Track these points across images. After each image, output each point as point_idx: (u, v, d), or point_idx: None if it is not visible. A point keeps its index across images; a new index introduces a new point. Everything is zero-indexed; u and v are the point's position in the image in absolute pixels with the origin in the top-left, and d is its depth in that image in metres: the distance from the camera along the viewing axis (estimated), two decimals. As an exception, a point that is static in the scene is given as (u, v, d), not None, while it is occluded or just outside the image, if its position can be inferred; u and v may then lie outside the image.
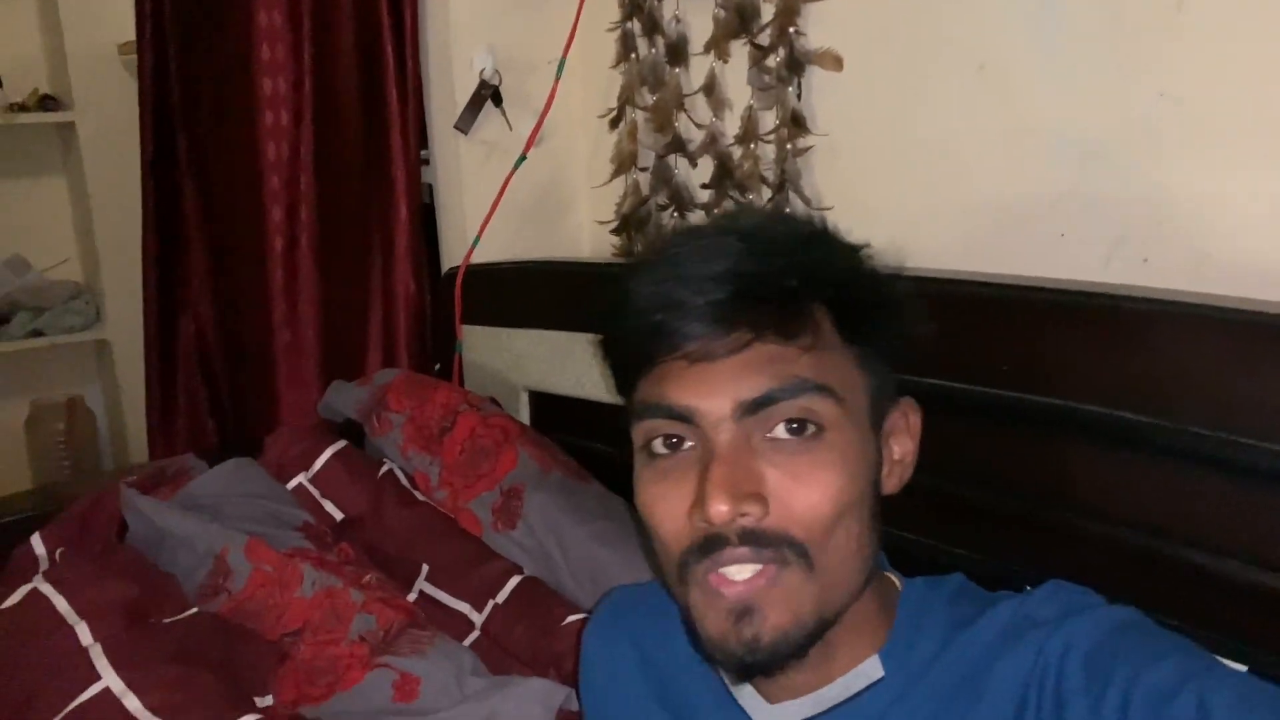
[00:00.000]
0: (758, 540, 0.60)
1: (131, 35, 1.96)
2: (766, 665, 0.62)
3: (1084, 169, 1.09)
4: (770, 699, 0.68)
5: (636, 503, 0.66)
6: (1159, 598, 0.86)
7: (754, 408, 0.61)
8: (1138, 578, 0.89)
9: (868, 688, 0.66)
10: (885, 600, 0.69)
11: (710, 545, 0.61)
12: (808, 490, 0.60)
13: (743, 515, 0.60)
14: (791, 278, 0.62)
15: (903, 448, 0.69)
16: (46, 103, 2.54)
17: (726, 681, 0.71)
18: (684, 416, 0.62)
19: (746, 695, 0.70)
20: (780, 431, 0.61)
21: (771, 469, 0.61)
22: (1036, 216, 1.14)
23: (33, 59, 2.61)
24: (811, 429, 0.61)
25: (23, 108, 2.50)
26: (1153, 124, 1.03)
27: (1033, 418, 0.96)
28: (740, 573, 0.61)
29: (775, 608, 0.61)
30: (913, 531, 1.01)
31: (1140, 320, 0.90)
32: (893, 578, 0.72)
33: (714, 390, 0.61)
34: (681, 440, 0.63)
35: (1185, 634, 0.62)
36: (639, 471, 0.66)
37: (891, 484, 0.69)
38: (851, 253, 0.68)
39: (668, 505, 0.63)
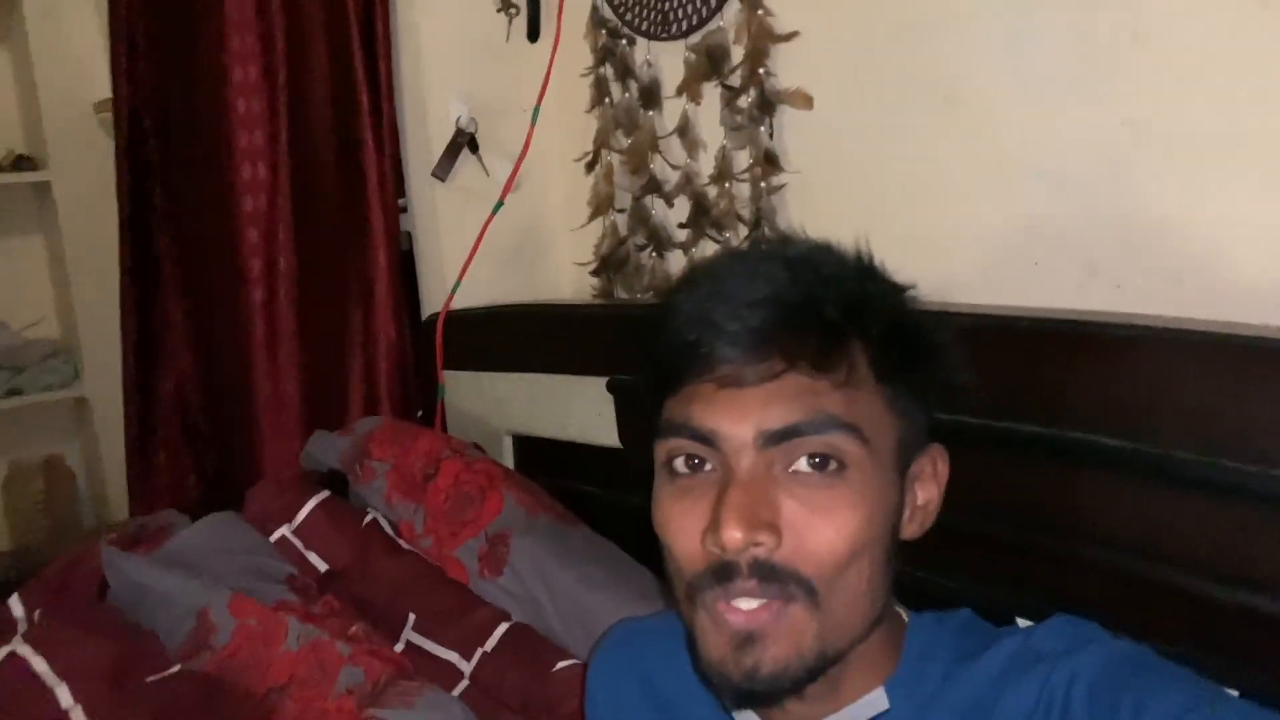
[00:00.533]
0: (767, 574, 0.60)
1: (107, 93, 1.96)
2: (763, 696, 0.62)
3: (1055, 197, 1.11)
4: None
5: (654, 518, 0.66)
6: (1145, 619, 0.86)
7: (777, 438, 0.60)
8: (1123, 599, 0.90)
9: (873, 719, 0.66)
10: (892, 633, 0.68)
11: (722, 574, 0.60)
12: (824, 526, 0.60)
13: (756, 545, 0.59)
14: (833, 310, 0.61)
15: (927, 494, 0.68)
16: (21, 163, 2.53)
17: (726, 706, 0.71)
18: (707, 439, 0.61)
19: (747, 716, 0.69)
20: (802, 464, 0.60)
21: (789, 500, 0.60)
22: (1010, 246, 1.16)
23: (6, 119, 2.61)
24: (834, 465, 0.60)
25: (-2, 168, 2.50)
26: (1118, 151, 1.05)
27: (1012, 444, 0.97)
28: (747, 603, 0.60)
29: (778, 641, 0.60)
30: (910, 564, 1.01)
31: (1118, 345, 0.91)
32: (900, 611, 0.71)
33: (740, 416, 0.60)
34: (703, 462, 0.63)
35: (1170, 655, 0.62)
36: (659, 487, 0.66)
37: (911, 530, 0.67)
38: (896, 292, 0.67)
39: (683, 525, 0.62)
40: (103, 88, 2.04)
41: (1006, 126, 1.14)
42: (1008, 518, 0.98)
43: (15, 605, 1.21)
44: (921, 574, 1.00)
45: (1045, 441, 0.94)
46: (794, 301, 0.61)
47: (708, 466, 0.62)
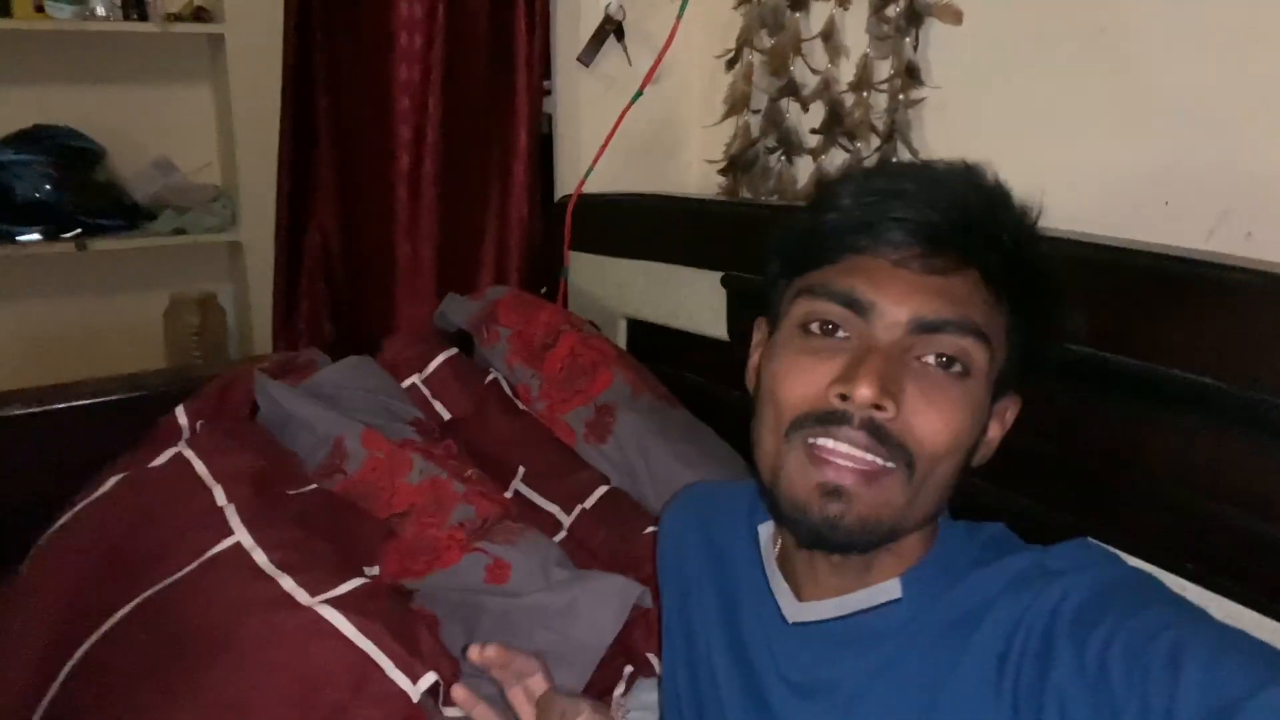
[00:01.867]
0: (878, 434, 0.64)
1: (281, -48, 2.05)
2: (834, 544, 0.67)
3: (1195, 139, 1.10)
4: (800, 596, 0.74)
5: (766, 369, 0.70)
6: (1221, 562, 0.89)
7: (928, 328, 0.65)
8: (1201, 542, 0.92)
9: (884, 604, 0.71)
10: (925, 534, 0.72)
11: (831, 418, 0.64)
12: (936, 417, 0.64)
13: (879, 408, 0.63)
14: (1009, 236, 0.66)
15: (994, 432, 0.72)
16: (200, 14, 2.68)
17: (764, 554, 0.78)
18: (863, 308, 0.65)
19: (782, 591, 0.76)
20: (931, 359, 0.65)
21: (913, 385, 0.64)
22: (1143, 184, 1.15)
23: (188, -29, 2.76)
24: (958, 368, 0.65)
25: (178, 17, 2.65)
26: (1274, 99, 1.03)
27: (1116, 378, 0.98)
28: (849, 457, 0.64)
29: (865, 502, 0.64)
30: (981, 476, 1.05)
31: (1237, 290, 0.91)
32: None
33: (901, 297, 0.65)
34: (837, 329, 0.67)
35: (1253, 603, 0.63)
36: (783, 341, 0.69)
37: (975, 457, 0.71)
38: (1045, 247, 0.71)
39: (807, 375, 0.66)
40: (277, -54, 2.13)
41: (1158, 62, 1.12)
42: (1099, 451, 1.01)
43: (180, 415, 1.37)
44: (999, 490, 1.06)
45: (1146, 377, 0.95)
46: (978, 216, 0.66)
47: (841, 334, 0.67)
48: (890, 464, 0.64)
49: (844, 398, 0.64)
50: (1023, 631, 0.63)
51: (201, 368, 2.45)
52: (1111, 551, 0.68)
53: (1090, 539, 0.69)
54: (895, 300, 0.65)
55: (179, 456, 1.24)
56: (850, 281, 0.66)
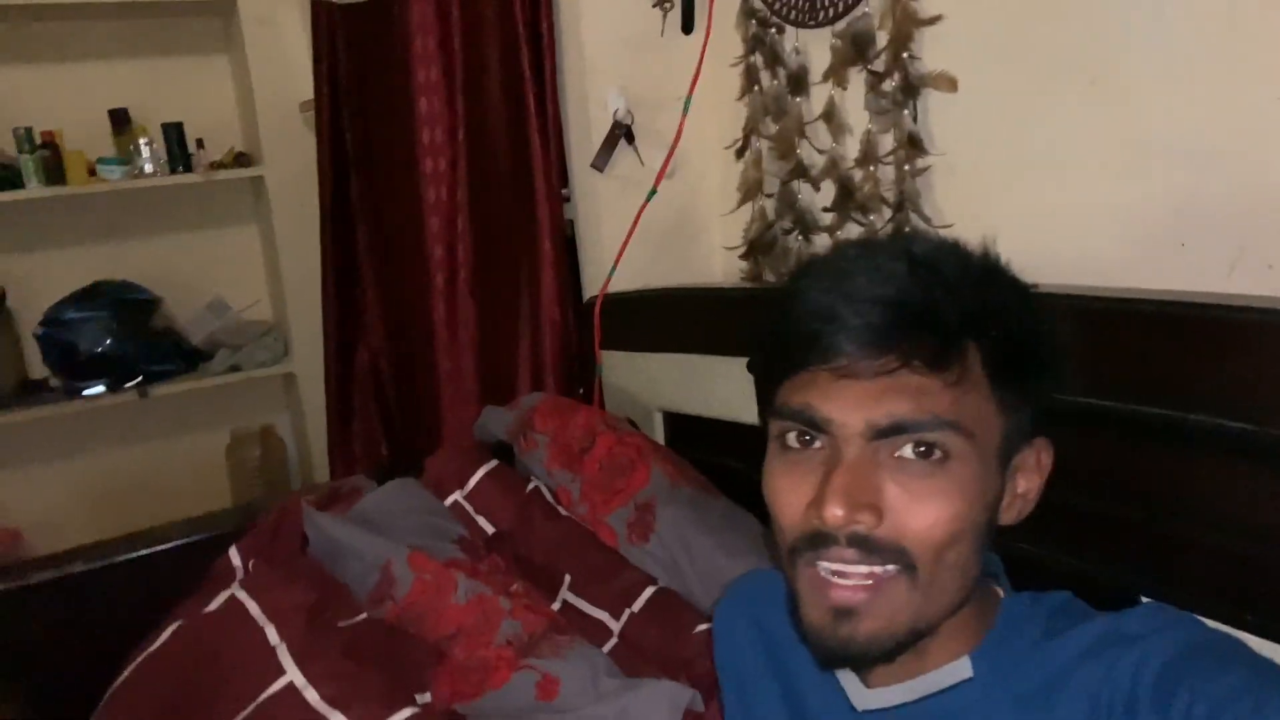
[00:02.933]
0: (865, 546, 0.64)
1: (310, 95, 2.17)
2: (853, 661, 0.67)
3: (1203, 177, 1.08)
4: (867, 684, 0.73)
5: (763, 486, 0.70)
6: (1271, 605, 0.85)
7: (884, 433, 0.64)
8: (1260, 589, 0.89)
9: (956, 685, 0.70)
10: (986, 609, 0.72)
11: (819, 540, 0.65)
12: (925, 512, 0.63)
13: (855, 523, 0.63)
14: (951, 315, 0.64)
15: (1028, 484, 0.71)
16: (240, 159, 2.82)
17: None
18: (819, 426, 0.66)
19: (847, 678, 0.75)
20: (908, 452, 0.64)
21: (893, 484, 0.64)
22: (1156, 227, 1.14)
23: (228, 120, 2.91)
24: (938, 455, 0.64)
25: (220, 165, 2.79)
26: (1273, 128, 1.02)
27: (1146, 428, 0.96)
28: (847, 578, 0.64)
29: (874, 616, 0.65)
30: (1025, 541, 1.03)
31: (1253, 329, 0.90)
32: (997, 589, 0.75)
33: (852, 407, 0.64)
34: (813, 439, 0.67)
35: None
36: (770, 458, 0.70)
37: (1010, 516, 0.70)
38: (1018, 296, 0.69)
39: (790, 495, 0.67)
40: (307, 89, 2.25)
41: (1152, 106, 1.12)
42: (1134, 501, 0.98)
43: (234, 555, 1.40)
44: (1046, 552, 1.03)
45: (1175, 425, 0.93)
46: (914, 303, 0.64)
47: (817, 444, 0.67)
48: (890, 567, 0.64)
49: (821, 520, 0.64)
50: (1105, 699, 0.62)
51: (261, 502, 2.50)
52: (1187, 614, 0.66)
53: (1161, 603, 0.68)
54: (846, 411, 0.64)
55: (232, 599, 1.26)
56: (804, 399, 0.66)
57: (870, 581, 0.64)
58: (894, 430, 0.63)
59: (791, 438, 0.68)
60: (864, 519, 0.63)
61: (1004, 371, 0.66)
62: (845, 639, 0.65)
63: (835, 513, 0.63)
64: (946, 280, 0.65)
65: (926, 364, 0.63)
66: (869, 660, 0.67)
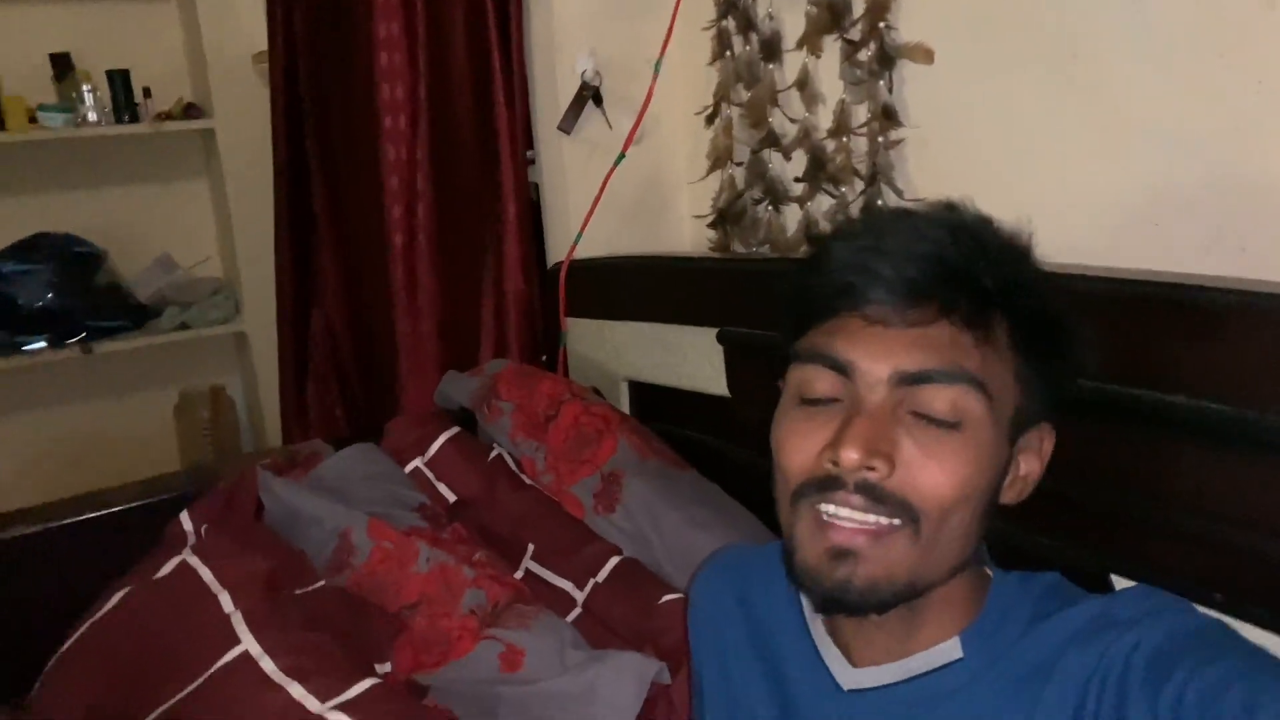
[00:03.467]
0: (873, 494, 0.64)
1: (264, 45, 2.09)
2: (849, 607, 0.66)
3: (1179, 159, 1.08)
4: (854, 663, 0.73)
5: (773, 435, 0.70)
6: (1251, 591, 0.86)
7: (911, 380, 0.64)
8: (1229, 571, 0.89)
9: (946, 665, 0.69)
10: (976, 588, 0.72)
11: (827, 484, 0.65)
12: (937, 470, 0.64)
13: (869, 469, 0.63)
14: (989, 280, 0.66)
15: (1029, 466, 0.71)
16: (190, 111, 2.73)
17: (808, 618, 0.77)
18: (844, 369, 0.66)
19: (833, 657, 0.74)
20: (929, 409, 0.65)
21: (908, 440, 0.64)
22: (1130, 208, 1.14)
23: (176, 70, 2.81)
24: (954, 419, 0.64)
25: (168, 116, 2.70)
26: (1251, 113, 1.02)
27: (1126, 412, 0.96)
28: (848, 521, 0.64)
29: (873, 561, 0.64)
30: (1007, 522, 1.03)
31: (1232, 312, 0.90)
32: (987, 569, 0.75)
33: (880, 354, 0.65)
34: (832, 400, 0.67)
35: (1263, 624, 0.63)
36: (784, 410, 0.70)
37: (1010, 495, 0.71)
38: (1044, 278, 0.71)
39: (802, 442, 0.67)
40: (260, 40, 2.17)
41: (1130, 85, 1.11)
42: (1115, 486, 0.99)
43: (185, 520, 1.36)
44: (1021, 533, 1.03)
45: (1154, 408, 0.93)
46: (955, 263, 0.66)
47: (835, 401, 0.67)
48: (895, 520, 0.64)
49: (835, 463, 0.64)
50: (1096, 683, 0.62)
51: (212, 466, 2.45)
52: (1178, 599, 0.67)
53: (1151, 586, 0.69)
54: (875, 357, 0.65)
55: (184, 565, 1.22)
56: (831, 343, 0.67)
57: (873, 529, 0.64)
58: (921, 378, 0.64)
59: (812, 387, 0.68)
60: (878, 465, 0.63)
61: (1029, 346, 0.67)
62: (843, 581, 0.65)
63: (851, 455, 0.63)
64: (987, 248, 0.67)
65: (962, 319, 0.65)
66: (865, 608, 0.66)
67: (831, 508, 0.65)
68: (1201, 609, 0.86)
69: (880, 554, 0.64)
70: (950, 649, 0.70)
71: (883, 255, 0.66)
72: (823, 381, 0.67)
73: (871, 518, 0.64)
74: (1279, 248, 1.01)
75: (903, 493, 0.64)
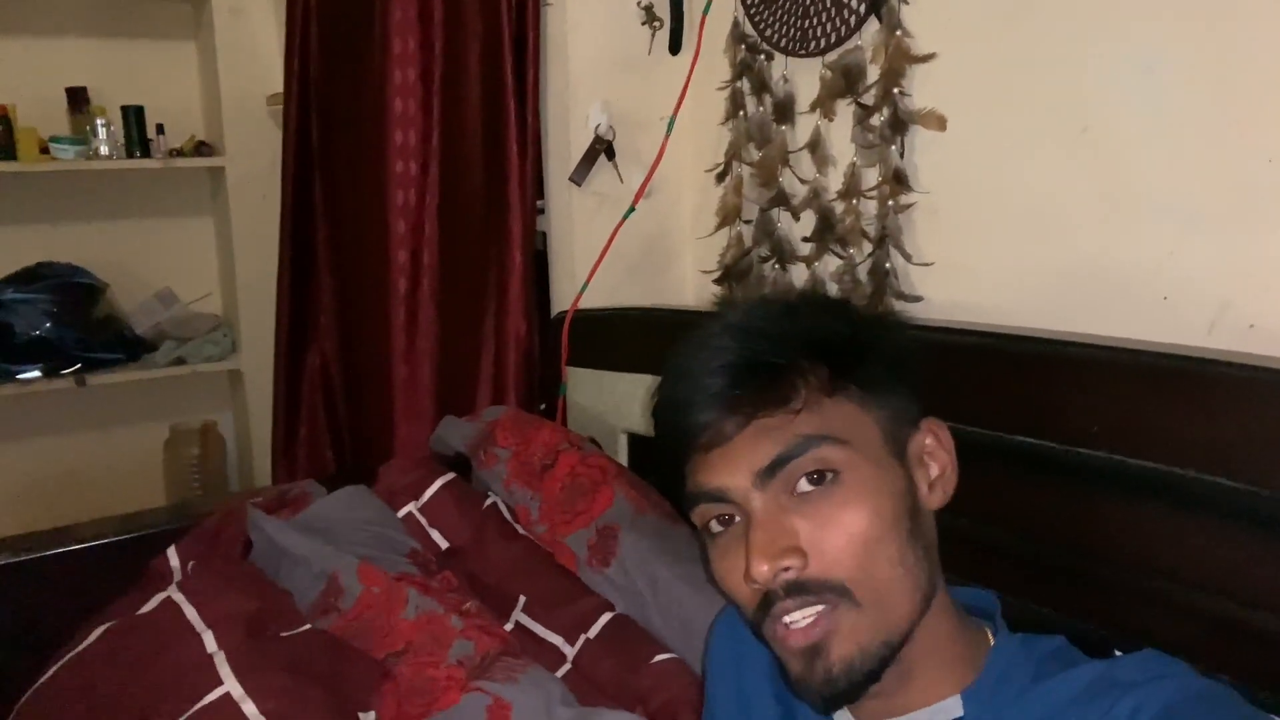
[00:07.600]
0: (801, 590, 0.67)
1: (279, 87, 2.11)
2: (845, 695, 0.68)
3: (1188, 233, 1.09)
4: (855, 714, 0.74)
5: (711, 579, 0.74)
6: (1241, 664, 0.85)
7: (770, 472, 0.68)
8: (1218, 643, 0.89)
9: None
10: (976, 646, 0.73)
11: (766, 602, 0.68)
12: (836, 533, 0.66)
13: (784, 570, 0.66)
14: (773, 356, 0.70)
15: (939, 464, 0.74)
16: (201, 148, 2.74)
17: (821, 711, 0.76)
18: (718, 496, 0.70)
19: (841, 713, 0.75)
20: (803, 485, 0.68)
21: (803, 521, 0.67)
22: (1139, 280, 1.14)
23: (191, 108, 2.83)
24: (829, 476, 0.67)
25: (180, 153, 2.71)
26: (1261, 189, 1.02)
27: (1123, 481, 0.96)
28: (798, 621, 0.67)
29: (839, 643, 0.67)
30: (1000, 589, 1.01)
31: (1239, 386, 0.89)
32: (987, 630, 0.76)
33: (733, 468, 0.69)
34: (731, 518, 0.71)
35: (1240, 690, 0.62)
36: (704, 550, 0.74)
37: (935, 499, 0.73)
38: (831, 310, 0.76)
39: (731, 576, 0.71)
40: (275, 81, 2.19)
41: (1142, 159, 1.12)
42: (1109, 556, 0.98)
43: (172, 556, 1.33)
44: (1029, 606, 1.02)
45: (1153, 479, 0.93)
46: (741, 361, 0.70)
47: (736, 520, 0.71)
48: (829, 603, 0.67)
49: (756, 583, 0.67)
50: None
51: (199, 503, 2.41)
52: (1179, 662, 0.67)
53: (1156, 650, 0.68)
54: (730, 474, 0.69)
55: (169, 601, 1.20)
56: (698, 481, 0.71)
57: (818, 617, 0.67)
58: (776, 465, 0.67)
59: (714, 524, 0.72)
60: (790, 562, 0.66)
61: (845, 376, 0.70)
62: (825, 675, 0.67)
63: (761, 569, 0.66)
64: (760, 330, 0.71)
65: (772, 404, 0.68)
66: (856, 686, 0.68)
67: (786, 617, 0.67)
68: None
69: (842, 633, 0.67)
70: (951, 706, 0.70)
71: (692, 386, 0.71)
72: (713, 512, 0.71)
73: (810, 610, 0.67)
74: (1288, 325, 1.01)
75: (824, 575, 0.66)
